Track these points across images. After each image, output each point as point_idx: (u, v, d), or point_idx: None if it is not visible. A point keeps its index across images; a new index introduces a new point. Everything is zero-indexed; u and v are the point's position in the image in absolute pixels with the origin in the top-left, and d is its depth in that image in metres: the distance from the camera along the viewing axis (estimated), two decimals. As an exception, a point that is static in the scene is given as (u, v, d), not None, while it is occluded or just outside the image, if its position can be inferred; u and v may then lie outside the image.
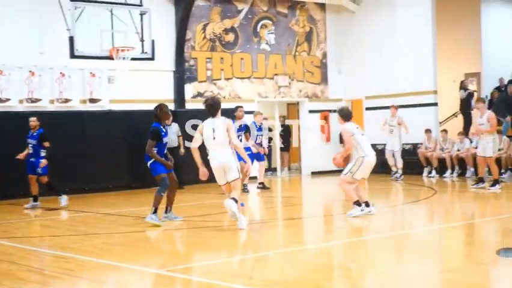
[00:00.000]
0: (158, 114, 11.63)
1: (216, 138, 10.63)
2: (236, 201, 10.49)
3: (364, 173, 11.71)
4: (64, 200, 14.82)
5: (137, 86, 19.20)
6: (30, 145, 14.88)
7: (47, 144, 14.71)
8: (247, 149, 15.54)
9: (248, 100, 21.29)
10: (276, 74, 22.16)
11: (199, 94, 20.50)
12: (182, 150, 17.61)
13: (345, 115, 11.86)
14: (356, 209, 11.57)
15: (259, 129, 17.28)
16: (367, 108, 22.51)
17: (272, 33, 22.13)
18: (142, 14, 17.67)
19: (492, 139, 15.44)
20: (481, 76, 22.71)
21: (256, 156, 17.00)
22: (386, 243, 9.62)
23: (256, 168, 17.25)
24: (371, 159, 11.65)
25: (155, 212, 11.38)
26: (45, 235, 11.50)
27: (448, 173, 19.28)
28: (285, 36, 22.42)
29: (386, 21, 21.77)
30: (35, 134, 14.84)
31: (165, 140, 11.64)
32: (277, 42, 22.22)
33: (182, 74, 20.10)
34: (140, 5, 17.72)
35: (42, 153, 14.68)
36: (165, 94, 19.69)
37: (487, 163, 15.76)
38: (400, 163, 19.36)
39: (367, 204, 11.73)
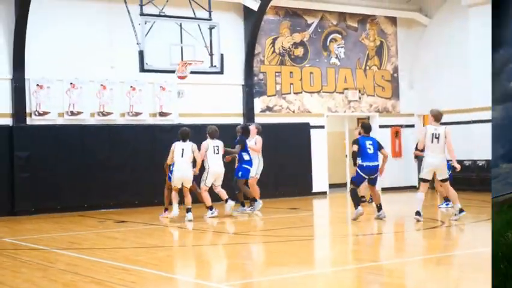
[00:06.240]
0: None
1: None
2: None
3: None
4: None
5: (207, 100, 19.26)
6: None
7: None
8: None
9: (317, 114, 21.12)
10: (346, 89, 21.92)
11: (268, 108, 20.44)
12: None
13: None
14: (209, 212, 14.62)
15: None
16: (441, 123, 21.94)
17: (342, 47, 21.92)
18: (211, 28, 17.69)
19: None
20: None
21: None
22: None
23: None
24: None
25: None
26: (111, 247, 11.55)
27: None
28: (355, 50, 22.17)
29: (459, 33, 21.25)
30: None
31: None
32: (347, 56, 21.98)
33: (252, 88, 20.07)
34: (209, 19, 17.75)
35: None
36: (234, 108, 19.72)
37: None
38: None
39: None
